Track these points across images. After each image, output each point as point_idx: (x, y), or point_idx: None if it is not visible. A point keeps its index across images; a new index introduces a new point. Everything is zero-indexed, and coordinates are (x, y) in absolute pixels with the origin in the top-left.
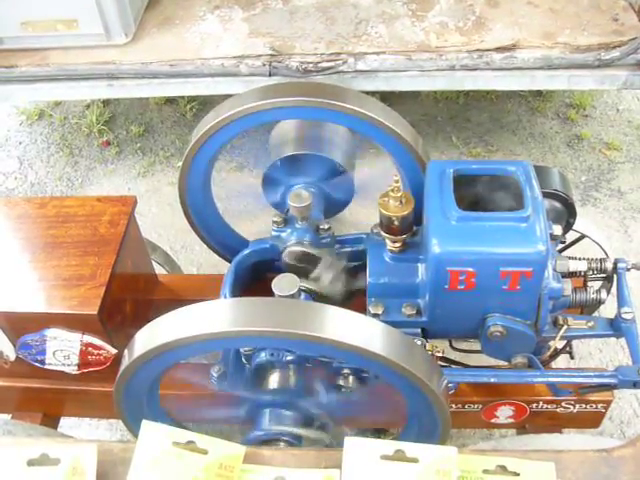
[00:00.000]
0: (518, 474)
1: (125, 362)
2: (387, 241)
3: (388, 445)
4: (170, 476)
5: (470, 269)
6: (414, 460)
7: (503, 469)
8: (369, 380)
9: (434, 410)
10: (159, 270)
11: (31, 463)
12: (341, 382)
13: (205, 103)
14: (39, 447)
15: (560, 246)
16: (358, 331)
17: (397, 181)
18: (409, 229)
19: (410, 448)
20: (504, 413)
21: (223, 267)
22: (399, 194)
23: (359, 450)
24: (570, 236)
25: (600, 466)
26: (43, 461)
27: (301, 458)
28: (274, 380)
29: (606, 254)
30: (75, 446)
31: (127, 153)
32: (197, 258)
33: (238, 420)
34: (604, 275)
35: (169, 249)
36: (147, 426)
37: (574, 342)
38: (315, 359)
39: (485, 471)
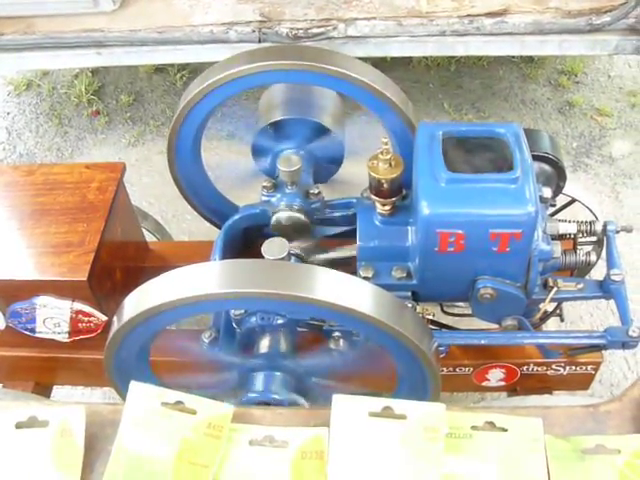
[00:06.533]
0: (506, 430)
1: (114, 327)
2: (377, 204)
3: (376, 402)
4: (159, 436)
5: (459, 231)
6: (402, 417)
7: (491, 425)
8: (359, 343)
9: (425, 372)
10: (150, 238)
11: (19, 426)
12: (332, 345)
13: (195, 71)
14: (27, 410)
15: (551, 210)
16: (349, 292)
17: (386, 143)
18: (399, 192)
19: (398, 405)
20: (495, 376)
21: (214, 235)
22: (388, 156)
23: (347, 408)
24: (561, 201)
25: (587, 421)
26: (31, 424)
27: (290, 417)
28: (264, 344)
29: (596, 217)
30: (63, 408)
31: (117, 123)
32: (188, 227)
33: (229, 385)
34: (594, 238)
35: (160, 218)
36: (135, 387)
37: (565, 307)
38: (305, 322)
39: (473, 427)
